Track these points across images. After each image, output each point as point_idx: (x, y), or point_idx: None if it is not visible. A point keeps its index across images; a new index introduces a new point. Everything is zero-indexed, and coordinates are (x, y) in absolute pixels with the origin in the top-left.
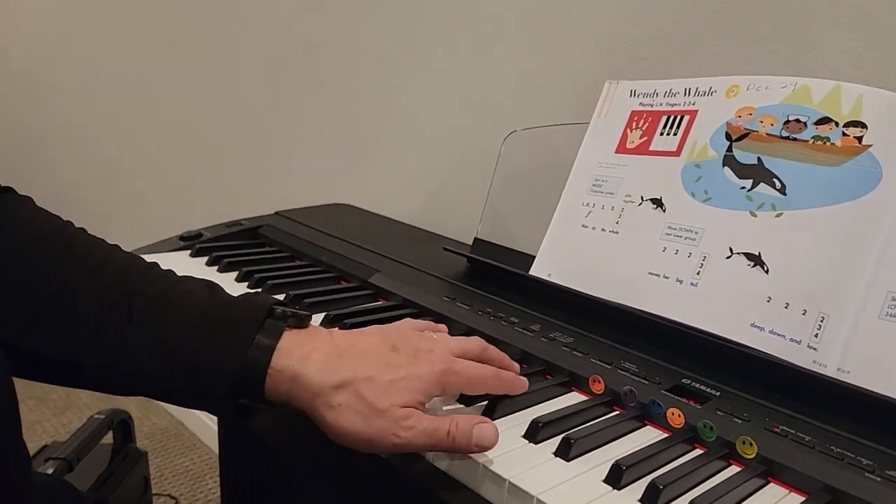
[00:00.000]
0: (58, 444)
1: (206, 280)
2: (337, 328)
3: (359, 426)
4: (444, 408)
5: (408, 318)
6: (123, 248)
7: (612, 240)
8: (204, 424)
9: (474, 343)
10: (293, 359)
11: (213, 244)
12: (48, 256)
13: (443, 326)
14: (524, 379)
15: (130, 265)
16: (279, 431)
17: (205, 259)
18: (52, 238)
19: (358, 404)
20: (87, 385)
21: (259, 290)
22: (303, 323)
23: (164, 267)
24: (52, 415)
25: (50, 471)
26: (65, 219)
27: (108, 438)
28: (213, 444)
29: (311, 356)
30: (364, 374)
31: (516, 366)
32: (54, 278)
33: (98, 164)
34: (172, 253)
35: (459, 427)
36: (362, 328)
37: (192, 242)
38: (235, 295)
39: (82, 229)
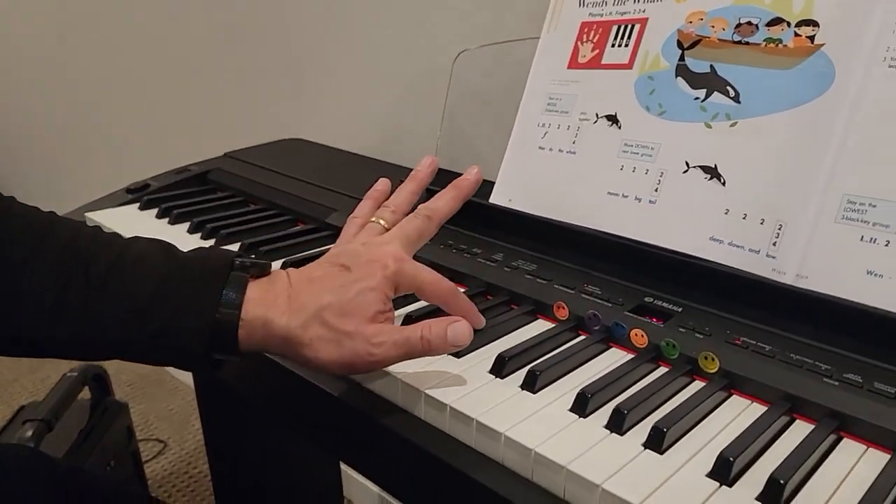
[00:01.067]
0: (35, 405)
1: (155, 239)
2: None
3: (334, 354)
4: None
5: (349, 217)
6: (68, 205)
7: (570, 161)
8: None
9: (418, 221)
10: (261, 307)
11: (162, 195)
12: None
13: (383, 180)
14: (481, 316)
15: (77, 232)
16: (246, 381)
17: (154, 211)
18: None
19: (327, 333)
20: (53, 355)
21: (213, 240)
22: (264, 271)
23: (114, 225)
24: (29, 371)
25: (28, 433)
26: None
27: (86, 394)
28: None
29: (277, 301)
30: (323, 302)
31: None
32: (2, 257)
33: (33, 116)
34: (121, 207)
35: (433, 330)
36: (315, 261)
37: (139, 194)
38: (190, 250)
39: (12, 198)
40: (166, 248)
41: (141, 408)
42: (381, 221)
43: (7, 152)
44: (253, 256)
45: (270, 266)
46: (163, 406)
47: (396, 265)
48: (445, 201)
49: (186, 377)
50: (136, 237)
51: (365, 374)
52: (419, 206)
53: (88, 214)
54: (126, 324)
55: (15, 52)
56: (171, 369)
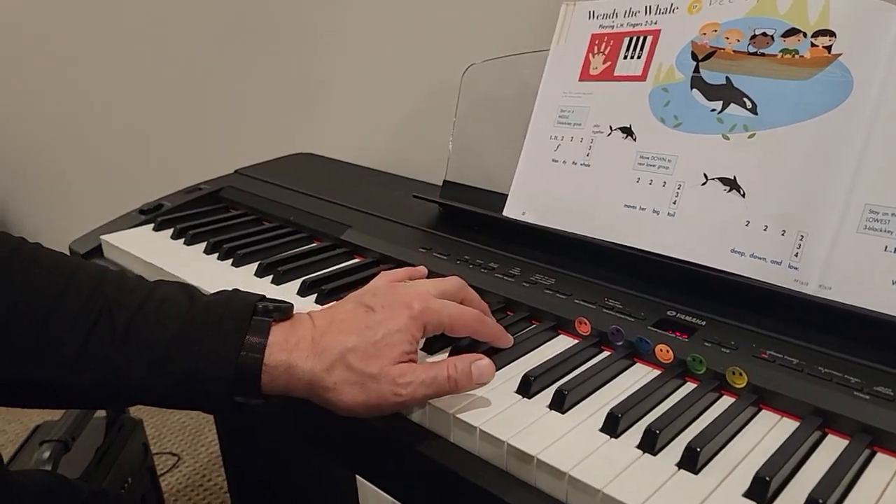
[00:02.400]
0: (50, 425)
1: (178, 283)
2: (316, 306)
3: (359, 397)
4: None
5: (383, 272)
6: (84, 230)
7: (585, 173)
8: None
9: (452, 282)
10: (284, 352)
11: (175, 215)
12: (14, 280)
13: (421, 269)
14: (509, 336)
15: (101, 277)
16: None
17: (169, 232)
18: (10, 261)
19: (352, 376)
20: (76, 404)
21: (230, 260)
22: (287, 315)
23: (130, 248)
24: None
25: (46, 454)
26: (21, 224)
27: (101, 413)
28: None
29: (300, 345)
30: (348, 344)
31: (489, 313)
32: (29, 303)
33: (44, 142)
34: (136, 229)
35: (458, 368)
36: (339, 301)
37: (153, 215)
38: (213, 293)
39: (37, 244)
40: (189, 291)
41: (154, 422)
42: (414, 282)
43: (16, 174)
44: (276, 300)
45: (293, 308)
46: (175, 419)
47: (422, 305)
48: (478, 296)
49: None
50: (160, 281)
51: None
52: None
53: (104, 237)
54: (149, 371)
55: (26, 71)
56: None
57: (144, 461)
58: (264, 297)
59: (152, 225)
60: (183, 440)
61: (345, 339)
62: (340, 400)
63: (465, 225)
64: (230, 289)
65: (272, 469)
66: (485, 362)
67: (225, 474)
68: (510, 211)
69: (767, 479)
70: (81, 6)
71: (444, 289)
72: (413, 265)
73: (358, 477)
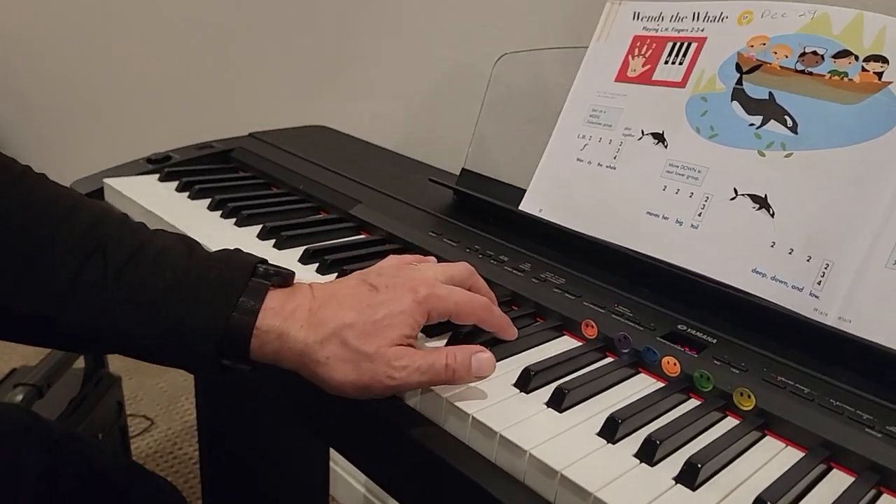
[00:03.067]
0: (27, 369)
1: (181, 234)
2: (316, 276)
3: (351, 375)
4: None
5: (392, 255)
6: (89, 172)
7: (609, 175)
8: None
9: (461, 268)
10: (278, 318)
11: (183, 168)
12: (12, 206)
13: (431, 258)
14: (515, 328)
15: (103, 216)
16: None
17: (174, 184)
18: (15, 183)
19: (346, 353)
20: (58, 343)
21: (234, 219)
22: (286, 281)
23: (132, 194)
24: None
25: (19, 398)
26: (27, 160)
27: (80, 363)
28: None
29: (295, 313)
30: (346, 320)
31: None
32: (23, 226)
33: (58, 80)
34: (140, 177)
35: (458, 358)
36: (343, 276)
37: (160, 165)
38: (215, 250)
39: (43, 175)
40: (189, 244)
41: (131, 383)
42: (421, 266)
43: (27, 105)
44: (277, 266)
45: (294, 276)
46: (153, 383)
47: (428, 290)
48: (485, 284)
49: None
50: (161, 230)
51: None
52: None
53: (107, 180)
54: (137, 317)
55: (42, 15)
56: None
57: (118, 419)
58: (266, 260)
59: (158, 175)
60: (159, 405)
61: (344, 315)
62: (331, 376)
63: (480, 215)
64: (232, 248)
65: (247, 442)
66: (486, 355)
67: (198, 444)
68: (527, 205)
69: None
70: None
71: (453, 274)
72: (421, 248)
73: (332, 463)
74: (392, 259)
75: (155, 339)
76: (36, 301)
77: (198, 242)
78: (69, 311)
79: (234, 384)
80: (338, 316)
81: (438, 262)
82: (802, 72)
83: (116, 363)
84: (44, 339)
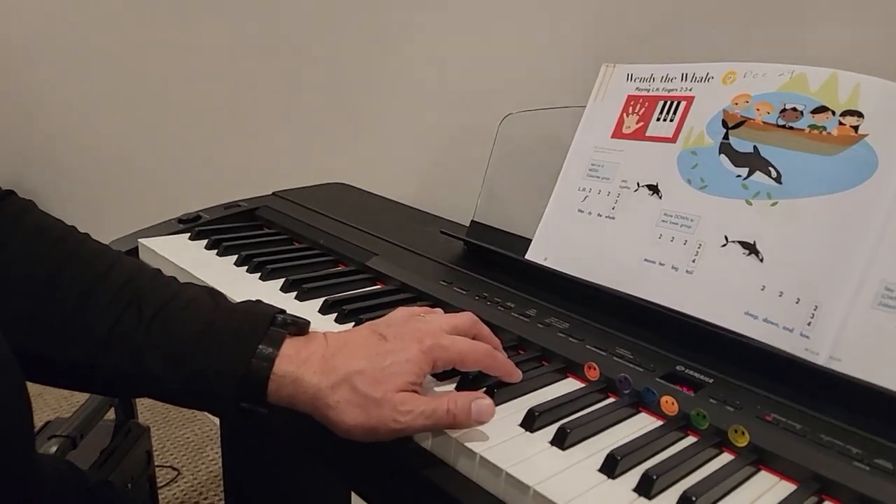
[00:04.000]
0: (61, 421)
1: (208, 287)
2: (331, 329)
3: (359, 419)
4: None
5: (401, 307)
6: (124, 232)
7: (608, 225)
8: None
9: (465, 318)
10: (293, 364)
11: (212, 227)
12: (59, 262)
13: (437, 310)
14: (519, 371)
15: (138, 271)
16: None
17: (204, 242)
18: (60, 243)
19: (355, 398)
20: (96, 388)
21: (258, 274)
22: (302, 330)
23: (165, 252)
24: (54, 390)
25: (53, 448)
26: (67, 222)
27: (111, 415)
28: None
29: (310, 360)
30: (356, 367)
31: (501, 349)
32: (68, 284)
33: (95, 147)
34: (172, 236)
35: (458, 404)
36: (356, 327)
37: (190, 225)
38: (238, 301)
39: (86, 234)
40: (214, 296)
41: (158, 433)
42: (428, 317)
43: (69, 179)
44: (294, 315)
45: (309, 325)
46: (179, 434)
47: (433, 340)
48: (490, 332)
49: None
50: (190, 283)
51: None
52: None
53: (141, 240)
54: (166, 363)
55: (77, 80)
56: None
57: (146, 469)
58: (284, 311)
59: (189, 234)
60: (185, 455)
61: (354, 363)
62: (341, 419)
63: (488, 264)
64: (254, 299)
65: (270, 488)
66: (485, 402)
67: (224, 492)
68: (533, 255)
69: None
70: (140, 24)
71: (457, 324)
72: (433, 297)
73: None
74: (401, 311)
75: (181, 384)
76: (77, 350)
77: (223, 294)
78: (107, 359)
79: (258, 432)
80: (349, 363)
81: (447, 308)
82: (784, 126)
83: (145, 414)
84: (83, 384)
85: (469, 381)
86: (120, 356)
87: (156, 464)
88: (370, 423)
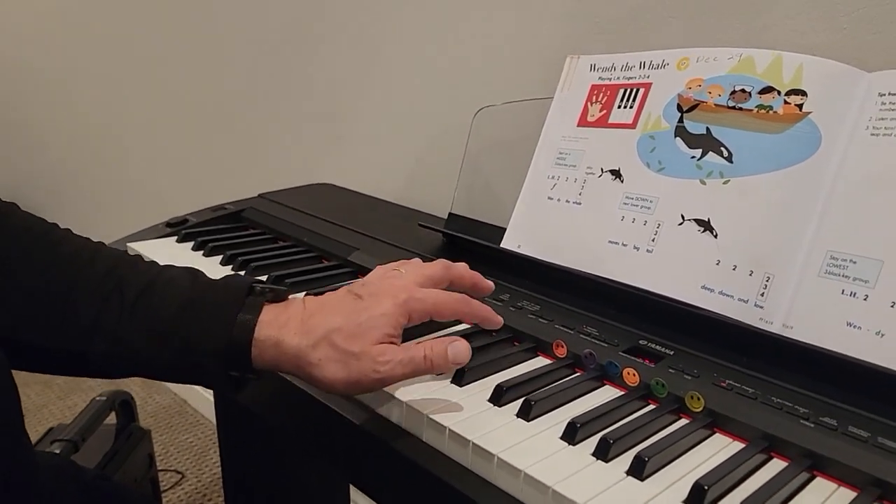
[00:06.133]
0: (63, 427)
1: (187, 267)
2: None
3: (340, 373)
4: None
5: (379, 265)
6: (114, 237)
7: (576, 211)
8: (206, 400)
9: (437, 267)
10: (273, 328)
11: (198, 229)
12: (44, 257)
13: (415, 260)
14: (498, 317)
15: (118, 259)
16: (267, 406)
17: (190, 244)
18: (43, 239)
19: (335, 354)
20: (89, 372)
21: (243, 272)
22: (280, 297)
23: (153, 255)
24: (57, 398)
25: (56, 451)
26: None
27: (112, 419)
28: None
29: (289, 323)
30: (334, 325)
31: (489, 283)
32: (53, 277)
33: (83, 155)
34: (160, 240)
35: (434, 350)
36: (332, 291)
37: (178, 228)
38: (217, 277)
39: (68, 230)
40: (194, 274)
41: (162, 438)
42: (403, 270)
43: (57, 186)
44: (271, 285)
45: (287, 292)
46: (183, 438)
47: (407, 294)
48: (466, 270)
49: (208, 410)
50: (170, 265)
51: (373, 397)
52: (441, 259)
53: (130, 244)
54: (152, 342)
55: (65, 87)
56: (190, 401)
57: (149, 472)
58: (262, 281)
59: (176, 237)
60: (189, 459)
61: (331, 320)
62: (323, 375)
63: (466, 254)
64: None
65: (270, 485)
66: (460, 343)
67: (224, 494)
68: (507, 243)
69: (706, 487)
70: (123, 34)
71: (431, 275)
72: None
73: (353, 496)
74: (378, 269)
75: (169, 359)
76: (67, 338)
77: (202, 272)
78: (95, 344)
79: (254, 432)
80: (326, 322)
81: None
82: (734, 108)
83: (148, 420)
84: (76, 369)
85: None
86: (108, 341)
87: (160, 468)
88: (352, 377)
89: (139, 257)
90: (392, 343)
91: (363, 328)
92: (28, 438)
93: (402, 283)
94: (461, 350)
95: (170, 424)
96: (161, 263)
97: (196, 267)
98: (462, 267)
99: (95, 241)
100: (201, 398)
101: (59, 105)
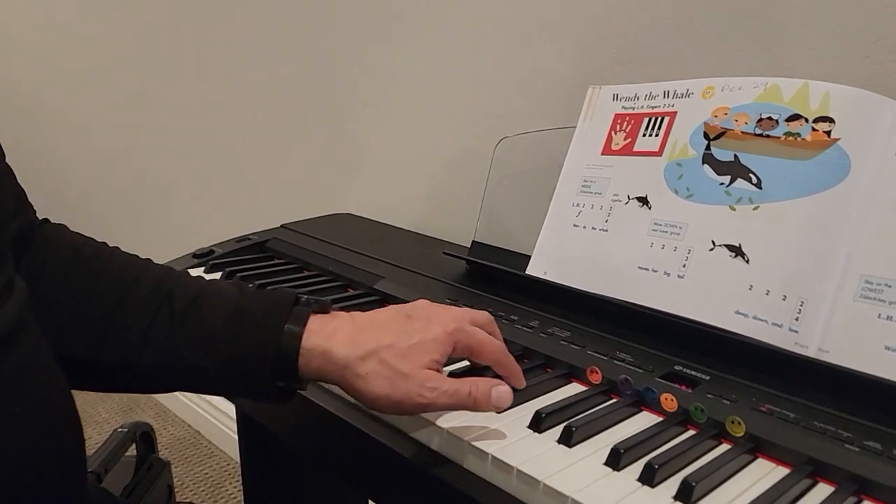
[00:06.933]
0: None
1: (232, 280)
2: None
3: (387, 390)
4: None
5: (423, 299)
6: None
7: (602, 237)
8: (221, 432)
9: (484, 315)
10: (321, 338)
11: (225, 259)
12: (95, 275)
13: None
14: (524, 379)
15: (166, 274)
16: (296, 432)
17: (218, 275)
18: (91, 257)
19: (384, 370)
20: (140, 387)
21: None
22: (325, 309)
23: None
24: None
25: None
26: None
27: (132, 450)
28: (231, 451)
29: (337, 334)
30: (385, 342)
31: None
32: (103, 293)
33: (109, 190)
34: (189, 270)
35: (480, 388)
36: (380, 308)
37: (205, 259)
38: (262, 290)
39: (116, 248)
40: (240, 286)
41: (177, 471)
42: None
43: (74, 217)
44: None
45: (331, 305)
46: (198, 470)
47: (457, 324)
48: (502, 338)
49: (223, 442)
50: (215, 279)
51: (410, 423)
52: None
53: None
54: (201, 353)
55: (87, 123)
56: (205, 433)
57: (168, 502)
58: (305, 294)
59: (203, 267)
60: (204, 491)
61: (383, 337)
62: (369, 389)
63: (490, 281)
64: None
65: None
66: (504, 388)
67: None
68: (533, 269)
69: None
70: (143, 63)
71: (476, 318)
72: None
73: None
74: (423, 301)
75: (219, 370)
76: (117, 352)
77: (247, 284)
78: (145, 357)
79: (276, 454)
80: (378, 337)
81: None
82: (761, 135)
83: (163, 452)
84: (126, 384)
85: (478, 373)
86: (158, 352)
87: (176, 501)
88: (396, 396)
89: (186, 272)
90: (438, 370)
91: (414, 350)
92: (85, 470)
93: (452, 314)
94: (505, 395)
95: (184, 456)
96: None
97: (240, 281)
98: (500, 336)
99: (144, 258)
100: (216, 430)
101: (74, 139)
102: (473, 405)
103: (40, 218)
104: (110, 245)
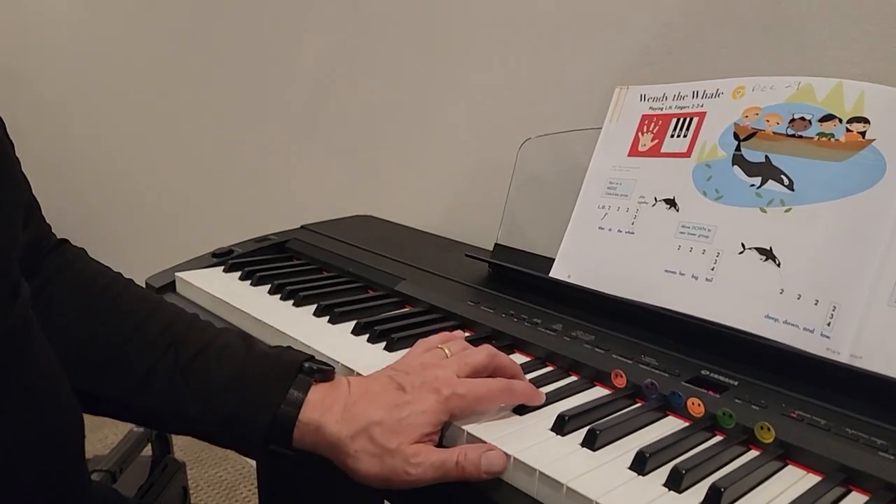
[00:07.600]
0: (100, 458)
1: (242, 332)
2: (367, 345)
3: (374, 468)
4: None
5: (420, 340)
6: (159, 268)
7: (629, 240)
8: None
9: (482, 355)
10: (317, 412)
11: (244, 259)
12: (104, 309)
13: (458, 333)
14: (541, 392)
15: (177, 316)
16: None
17: (238, 274)
18: (104, 291)
19: (371, 448)
20: (136, 421)
21: (291, 301)
22: (327, 377)
23: (202, 284)
24: (90, 430)
25: (96, 481)
26: (114, 270)
27: (147, 451)
28: None
29: (332, 408)
30: (375, 418)
31: (522, 375)
32: (109, 329)
33: (128, 191)
34: (208, 269)
35: (468, 457)
36: (375, 372)
37: (224, 259)
38: (271, 347)
39: (130, 280)
40: (249, 341)
41: (192, 472)
42: (447, 350)
43: (94, 218)
44: (320, 363)
45: (334, 371)
46: (212, 472)
47: (450, 390)
48: (509, 361)
49: None
50: (226, 329)
51: None
52: (486, 345)
53: (179, 274)
54: (200, 405)
55: (109, 124)
56: None
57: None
58: (313, 357)
59: (223, 267)
60: (219, 494)
61: (373, 413)
62: (357, 468)
63: (513, 284)
64: (285, 346)
65: None
66: (495, 453)
67: None
68: (556, 272)
69: None
70: (166, 66)
71: (474, 364)
72: (461, 317)
73: None
74: (420, 345)
75: (213, 425)
76: (118, 388)
77: (257, 339)
78: (145, 397)
79: (293, 463)
80: (367, 413)
81: (474, 326)
82: (793, 136)
83: (177, 454)
84: (125, 417)
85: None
86: (157, 395)
87: (190, 503)
88: (384, 473)
89: (196, 316)
90: (430, 441)
91: (403, 424)
92: (89, 480)
93: (445, 377)
94: (496, 461)
95: (199, 458)
96: (211, 293)
97: (245, 298)
98: (506, 358)
99: (156, 296)
100: None
101: (96, 139)
102: (462, 475)
103: (59, 238)
104: (112, 247)
